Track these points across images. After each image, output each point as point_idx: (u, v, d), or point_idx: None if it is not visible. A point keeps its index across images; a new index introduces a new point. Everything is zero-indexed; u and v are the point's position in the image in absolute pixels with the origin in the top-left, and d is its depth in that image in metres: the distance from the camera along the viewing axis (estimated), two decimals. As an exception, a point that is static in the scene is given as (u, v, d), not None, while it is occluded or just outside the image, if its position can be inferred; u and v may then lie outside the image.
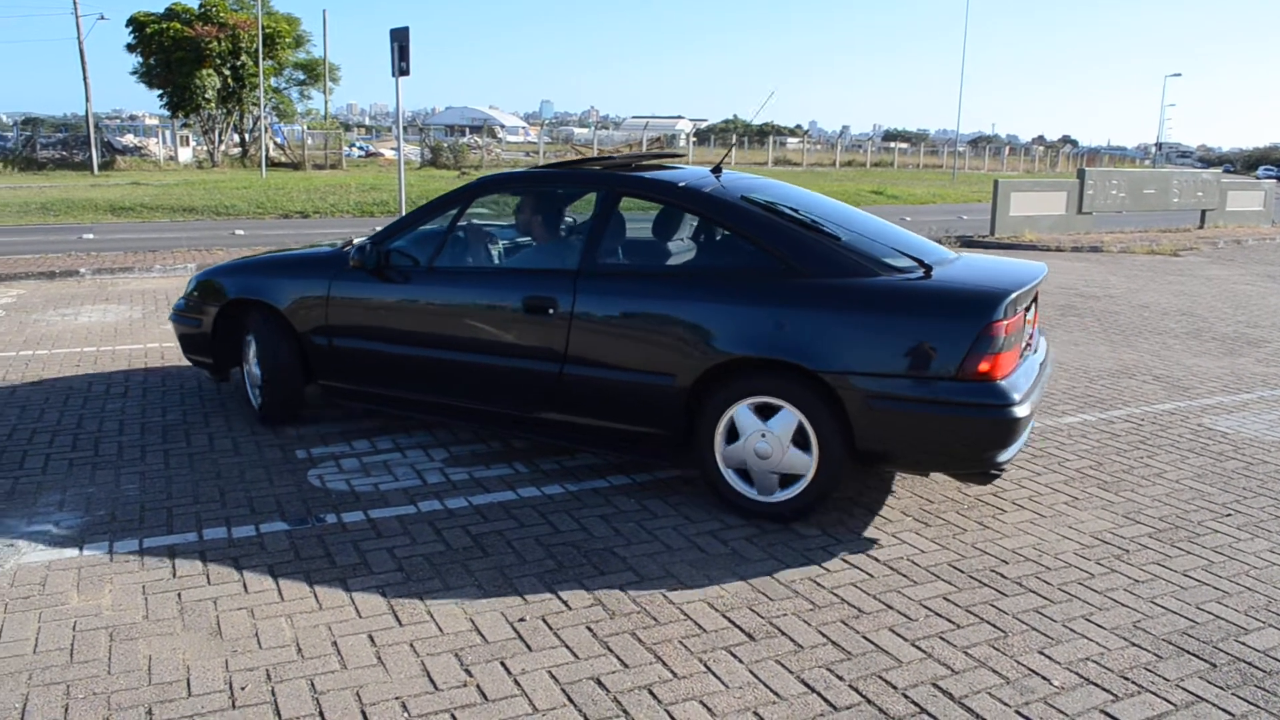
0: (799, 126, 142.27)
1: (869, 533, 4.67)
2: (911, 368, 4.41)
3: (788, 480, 4.70)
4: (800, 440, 4.61)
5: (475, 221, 6.06)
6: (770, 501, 4.75)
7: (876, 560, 4.36)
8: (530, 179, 6.08)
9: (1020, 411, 4.33)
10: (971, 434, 4.37)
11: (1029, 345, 4.99)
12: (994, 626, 3.79)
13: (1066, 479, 5.50)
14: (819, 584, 4.12)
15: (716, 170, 5.70)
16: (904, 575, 4.22)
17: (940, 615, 3.87)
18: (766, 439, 4.65)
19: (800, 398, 4.57)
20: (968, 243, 18.39)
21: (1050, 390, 7.38)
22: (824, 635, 3.69)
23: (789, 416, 4.60)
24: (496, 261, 5.82)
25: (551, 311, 5.09)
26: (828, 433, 4.54)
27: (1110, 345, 9.17)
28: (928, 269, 4.76)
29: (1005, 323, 4.39)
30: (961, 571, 4.28)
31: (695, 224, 5.50)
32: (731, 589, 4.06)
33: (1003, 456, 4.41)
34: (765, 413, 4.67)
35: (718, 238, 5.38)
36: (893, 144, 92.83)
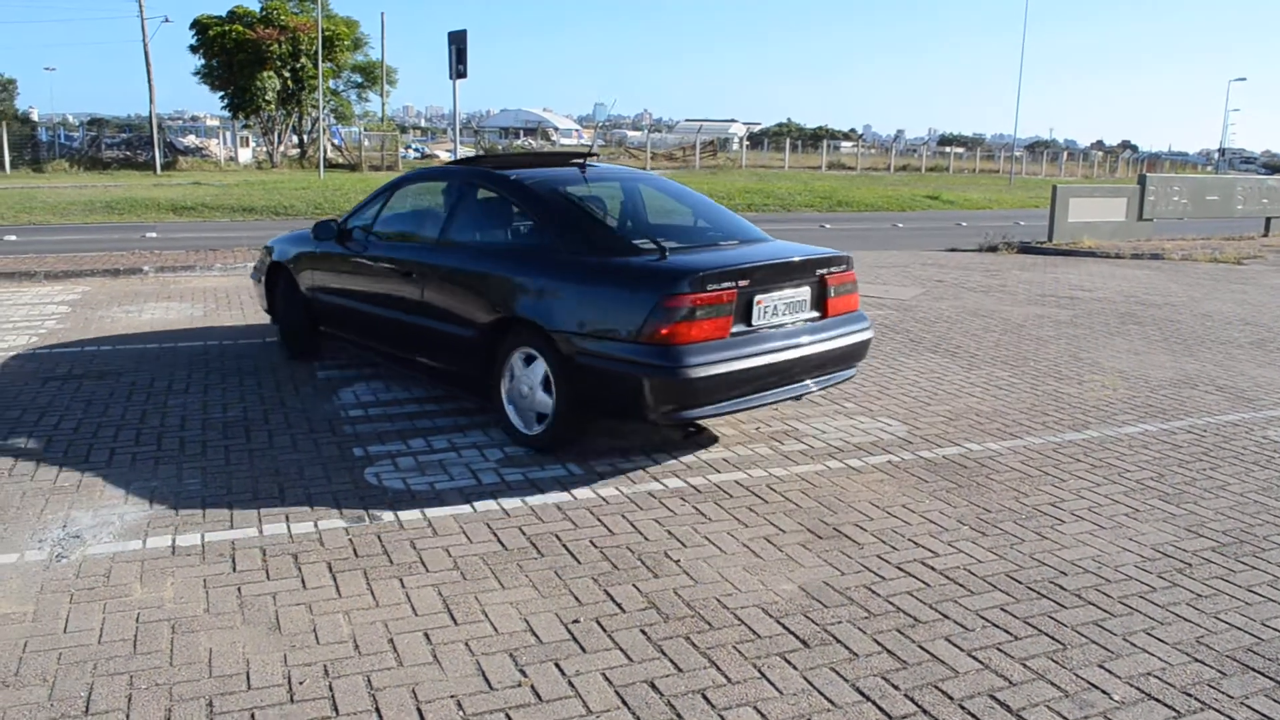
0: (853, 130, 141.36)
1: (926, 541, 4.62)
2: (606, 331, 5.40)
3: (540, 418, 5.76)
4: (547, 386, 5.66)
5: (395, 206, 7.30)
6: (529, 434, 5.83)
7: (933, 569, 4.32)
8: (421, 175, 7.67)
9: (694, 374, 5.18)
10: (650, 390, 5.24)
11: (795, 319, 5.83)
12: (1053, 639, 3.73)
13: (1127, 490, 5.40)
14: (875, 592, 4.09)
15: (581, 165, 6.88)
16: (960, 585, 4.18)
17: (998, 626, 3.82)
18: (527, 383, 5.78)
19: (545, 352, 5.62)
20: (1025, 248, 18.16)
21: (1110, 400, 7.28)
22: (879, 644, 3.66)
23: (540, 366, 5.68)
24: (395, 234, 7.11)
25: (413, 275, 6.49)
26: (561, 381, 5.54)
27: (1171, 354, 9.00)
28: (663, 251, 5.64)
29: (689, 296, 5.22)
30: (1019, 582, 4.22)
31: (515, 210, 6.44)
32: (786, 594, 4.05)
33: (688, 414, 5.43)
34: (529, 362, 5.78)
35: (527, 221, 6.33)
36: (948, 148, 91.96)
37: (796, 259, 5.93)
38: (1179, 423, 6.76)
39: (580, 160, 6.98)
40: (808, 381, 5.99)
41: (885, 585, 4.15)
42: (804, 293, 5.89)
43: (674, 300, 5.20)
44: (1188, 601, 4.08)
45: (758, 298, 5.61)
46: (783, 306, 5.77)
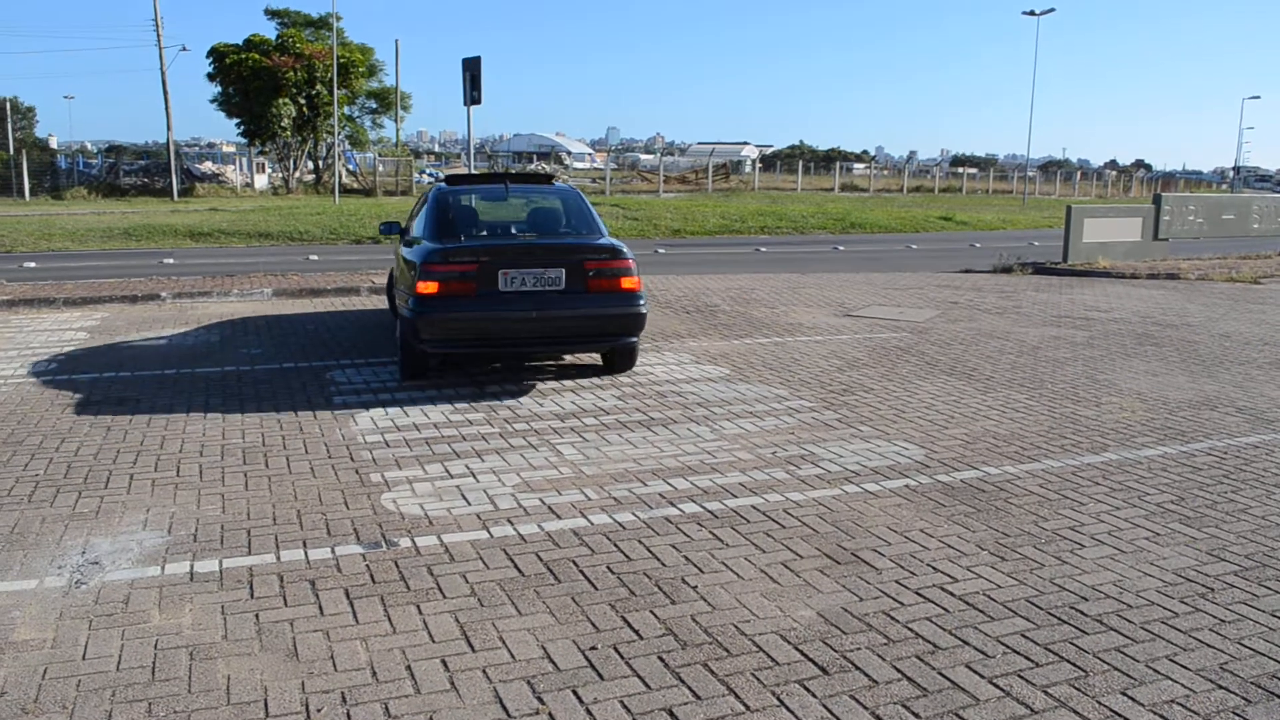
0: (865, 152, 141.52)
1: (944, 566, 4.60)
2: (407, 287, 7.88)
3: None
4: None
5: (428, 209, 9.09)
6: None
7: (952, 595, 4.29)
8: (434, 189, 9.51)
9: (424, 319, 7.56)
10: (414, 327, 7.64)
11: (531, 284, 7.73)
12: (1074, 665, 3.70)
13: (1147, 514, 5.37)
14: (894, 618, 4.06)
15: (506, 183, 9.74)
16: (980, 611, 4.15)
17: (1018, 653, 3.79)
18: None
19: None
20: (1040, 269, 18.12)
21: (1128, 422, 7.25)
22: (899, 670, 3.64)
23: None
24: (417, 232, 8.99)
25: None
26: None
27: (1190, 376, 8.96)
28: (459, 237, 8.31)
29: (431, 267, 7.62)
30: (1040, 608, 4.19)
31: (423, 209, 9.19)
32: (804, 620, 4.03)
33: (438, 348, 7.81)
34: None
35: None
36: (961, 169, 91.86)
37: (545, 245, 8.20)
38: (1199, 445, 6.72)
39: (508, 178, 9.85)
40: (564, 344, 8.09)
41: (904, 611, 4.13)
42: (557, 273, 7.73)
43: (424, 269, 7.64)
44: (1211, 627, 4.04)
45: (502, 271, 7.64)
46: (530, 280, 7.68)
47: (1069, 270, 17.97)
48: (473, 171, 18.61)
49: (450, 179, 9.93)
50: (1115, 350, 10.21)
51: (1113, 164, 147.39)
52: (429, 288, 7.56)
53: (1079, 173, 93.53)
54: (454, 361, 8.76)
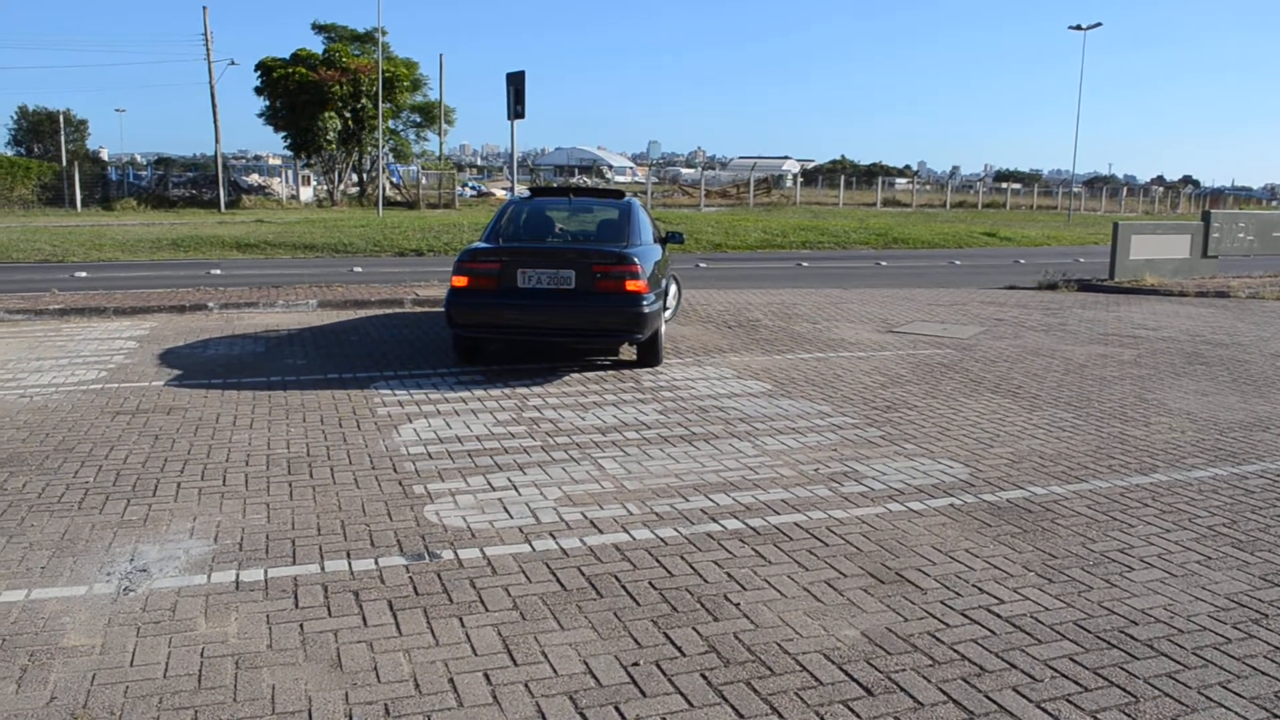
0: (908, 167, 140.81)
1: (990, 587, 4.54)
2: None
3: None
4: None
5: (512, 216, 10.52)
6: None
7: (998, 616, 4.24)
8: (508, 200, 10.97)
9: (455, 307, 8.97)
10: (447, 312, 9.10)
11: (549, 280, 8.93)
12: (1124, 691, 3.64)
13: (1198, 536, 5.27)
14: (939, 639, 4.02)
15: (569, 195, 11.26)
16: (1028, 633, 4.09)
17: (1067, 677, 3.73)
18: None
19: None
20: (1085, 286, 17.92)
21: (1178, 442, 7.13)
22: (945, 693, 3.59)
23: None
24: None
25: None
26: None
27: (1241, 396, 8.80)
28: (497, 239, 9.79)
29: (463, 264, 9.05)
30: (1088, 631, 4.12)
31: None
32: (848, 640, 3.99)
33: (464, 333, 9.22)
34: None
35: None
36: (1005, 184, 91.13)
37: (559, 249, 9.33)
38: (1251, 467, 6.59)
39: (573, 191, 11.43)
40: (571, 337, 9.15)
41: (950, 632, 4.08)
42: (568, 274, 8.82)
43: (461, 265, 9.03)
44: (1265, 654, 3.95)
45: (521, 270, 8.83)
46: (545, 279, 8.83)
47: (1116, 287, 17.75)
48: (514, 185, 18.76)
49: (533, 190, 11.51)
50: (1164, 369, 10.06)
51: (1159, 180, 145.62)
52: (460, 281, 8.99)
53: (1125, 188, 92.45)
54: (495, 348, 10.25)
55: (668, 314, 10.69)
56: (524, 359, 9.83)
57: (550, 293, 8.86)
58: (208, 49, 44.99)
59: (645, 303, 8.85)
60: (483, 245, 9.41)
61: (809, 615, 4.21)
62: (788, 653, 3.88)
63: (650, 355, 9.61)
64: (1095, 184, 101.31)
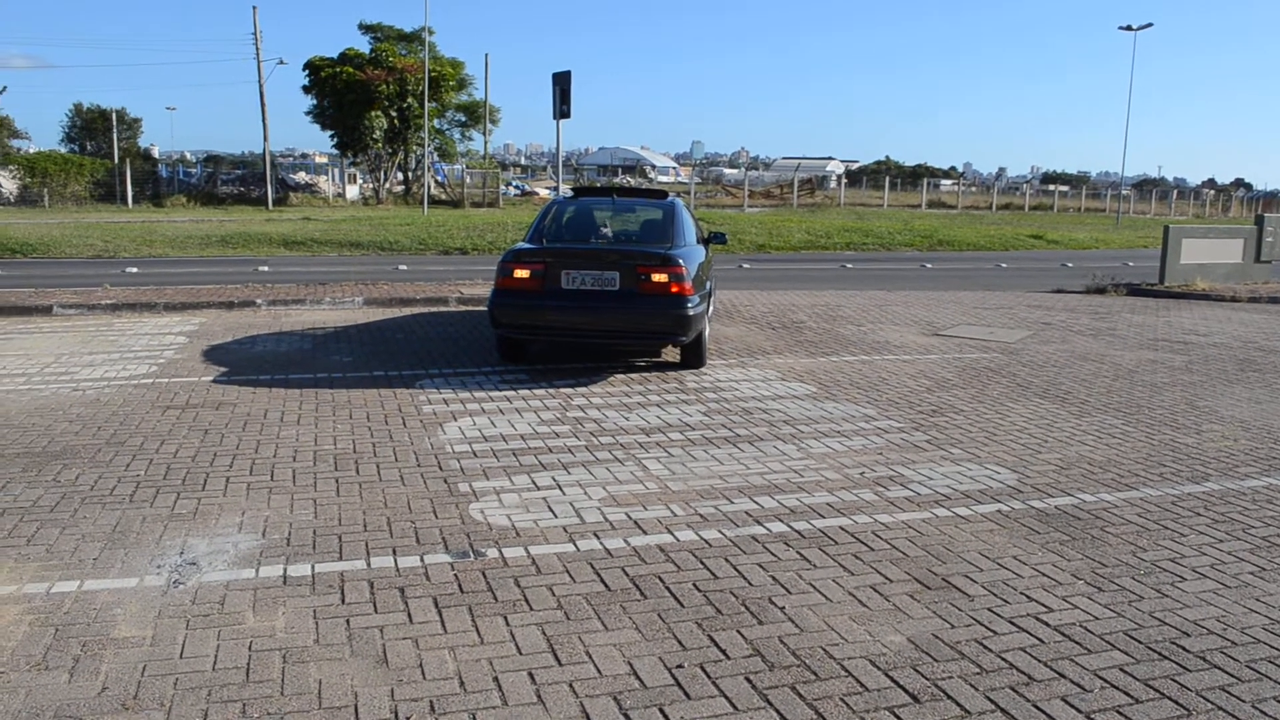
0: (953, 168, 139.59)
1: (1039, 595, 4.48)
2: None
3: None
4: None
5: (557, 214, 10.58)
6: None
7: (1047, 625, 4.18)
8: (552, 199, 11.19)
9: (498, 308, 8.99)
10: (490, 312, 9.10)
11: (587, 283, 8.87)
12: (1176, 703, 3.57)
13: (1252, 547, 5.17)
14: (986, 647, 3.97)
15: (613, 195, 11.08)
16: (1077, 642, 4.03)
17: (1117, 688, 3.67)
18: None
19: None
20: (1135, 290, 17.66)
21: (1231, 451, 7.01)
22: (993, 702, 3.55)
23: None
24: None
25: None
26: None
27: (1296, 404, 8.62)
28: (540, 239, 9.69)
29: (507, 265, 9.04)
30: (1139, 642, 4.06)
31: None
32: (894, 646, 3.95)
33: (507, 333, 9.23)
34: None
35: None
36: (1052, 186, 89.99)
37: (604, 250, 9.09)
38: (1307, 477, 6.46)
39: (616, 191, 11.19)
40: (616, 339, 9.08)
41: (998, 640, 4.03)
42: (612, 275, 8.76)
43: (505, 267, 9.02)
44: (1323, 668, 3.87)
45: (565, 271, 8.79)
46: (590, 280, 8.77)
47: (1166, 292, 17.48)
48: (559, 185, 18.83)
49: (576, 190, 11.45)
50: (1215, 376, 9.89)
51: (1210, 183, 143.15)
52: (504, 282, 8.98)
53: (1175, 191, 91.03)
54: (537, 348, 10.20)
55: None
56: (568, 359, 9.85)
57: (594, 294, 8.81)
58: (257, 48, 45.61)
59: (690, 305, 8.78)
60: (527, 246, 9.35)
61: (854, 620, 4.18)
62: (833, 658, 3.85)
63: (694, 357, 9.56)
64: (1144, 186, 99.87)
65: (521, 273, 8.93)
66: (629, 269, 8.79)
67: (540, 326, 9.01)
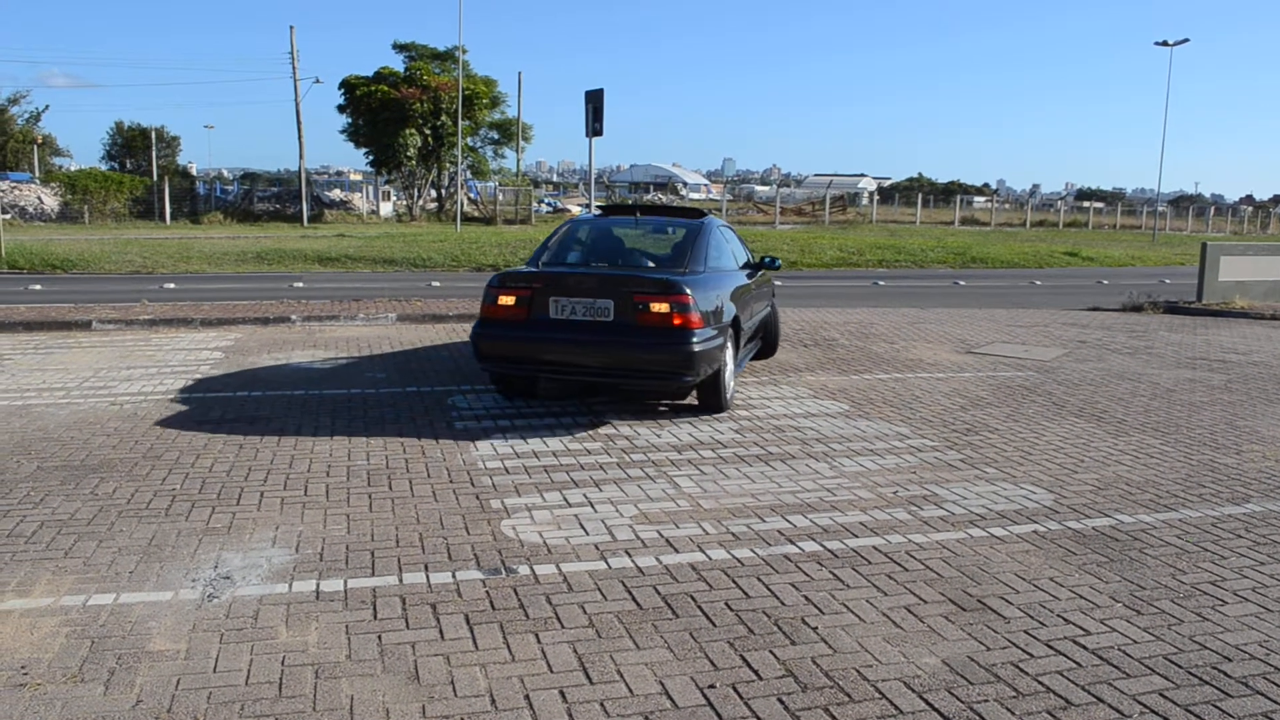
0: (986, 185, 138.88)
1: (1076, 618, 4.42)
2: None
3: None
4: None
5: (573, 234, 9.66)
6: None
7: (1084, 648, 4.12)
8: (574, 219, 10.27)
9: (480, 339, 7.99)
10: (473, 344, 8.16)
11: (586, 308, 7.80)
12: (1219, 729, 3.51)
13: (1295, 570, 5.08)
14: (1023, 670, 3.92)
15: (636, 214, 10.08)
16: (1115, 666, 3.97)
17: (1157, 713, 3.61)
18: None
19: None
20: (1172, 308, 17.46)
21: (1272, 471, 6.89)
22: (1030, 725, 3.50)
23: None
24: None
25: None
26: None
27: (1339, 425, 8.48)
28: (538, 263, 8.82)
29: (491, 290, 8.08)
30: (1179, 666, 3.99)
31: None
32: (929, 668, 3.91)
33: (489, 367, 8.21)
34: None
35: None
36: (1087, 203, 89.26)
37: (596, 275, 8.02)
38: (1351, 499, 6.34)
39: (640, 210, 10.20)
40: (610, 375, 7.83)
41: (1034, 663, 3.98)
42: (606, 304, 7.70)
43: (489, 289, 8.06)
44: (1369, 696, 3.79)
45: (554, 298, 7.79)
46: (580, 309, 7.74)
47: (1204, 310, 17.26)
48: (591, 202, 18.86)
49: (604, 208, 10.59)
50: (1256, 395, 9.74)
51: (1249, 199, 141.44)
52: (488, 310, 8.04)
53: (1212, 208, 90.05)
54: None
55: (742, 356, 9.31)
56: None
57: (585, 325, 7.73)
58: (294, 67, 46.17)
59: (695, 339, 7.53)
60: (518, 269, 8.45)
61: (888, 641, 4.14)
62: (867, 679, 3.81)
63: (712, 398, 8.24)
64: (1181, 203, 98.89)
65: (506, 299, 7.92)
66: (625, 296, 7.67)
67: (524, 361, 7.94)
